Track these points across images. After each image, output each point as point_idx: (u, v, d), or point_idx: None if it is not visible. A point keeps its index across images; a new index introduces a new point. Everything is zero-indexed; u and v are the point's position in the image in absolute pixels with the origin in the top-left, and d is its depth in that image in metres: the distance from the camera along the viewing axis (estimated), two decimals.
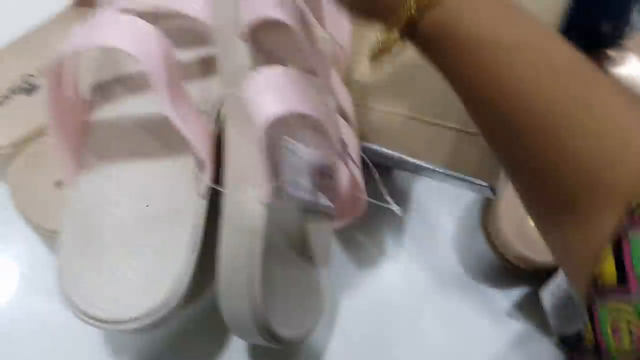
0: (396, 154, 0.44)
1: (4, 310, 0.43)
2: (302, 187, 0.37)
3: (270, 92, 0.32)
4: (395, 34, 0.29)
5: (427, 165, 0.43)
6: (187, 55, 0.42)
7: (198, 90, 0.41)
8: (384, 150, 0.44)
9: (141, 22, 0.34)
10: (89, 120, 0.39)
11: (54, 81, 0.35)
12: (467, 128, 0.44)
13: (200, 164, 0.38)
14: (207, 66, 0.42)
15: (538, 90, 0.26)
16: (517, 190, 0.30)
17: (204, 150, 0.37)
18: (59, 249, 0.37)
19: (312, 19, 0.37)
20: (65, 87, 0.37)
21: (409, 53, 0.31)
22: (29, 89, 0.46)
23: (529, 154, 0.27)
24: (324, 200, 0.39)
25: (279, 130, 0.36)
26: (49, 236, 0.42)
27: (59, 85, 0.36)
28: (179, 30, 0.42)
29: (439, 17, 0.28)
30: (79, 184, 0.38)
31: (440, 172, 0.43)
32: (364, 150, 0.43)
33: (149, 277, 0.36)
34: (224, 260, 0.34)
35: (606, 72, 0.50)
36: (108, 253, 0.36)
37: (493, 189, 0.41)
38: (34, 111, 0.45)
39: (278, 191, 0.35)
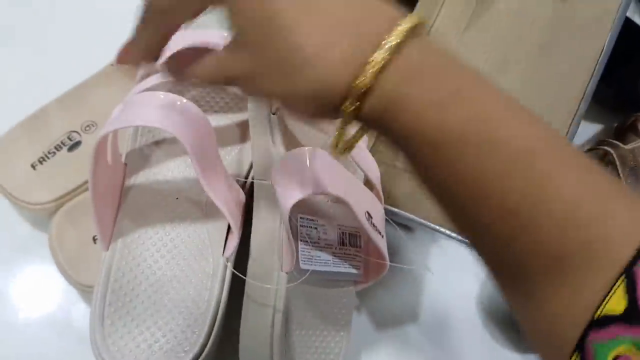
0: (418, 219, 0.45)
1: (40, 354, 0.45)
2: (325, 260, 0.38)
3: (295, 175, 0.33)
4: (342, 126, 0.27)
5: (449, 232, 0.44)
6: (224, 119, 0.44)
7: (232, 154, 0.43)
8: (407, 215, 0.45)
9: (178, 101, 0.35)
10: (127, 184, 0.41)
11: (98, 155, 0.37)
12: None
13: (229, 229, 0.39)
14: (242, 130, 0.44)
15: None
16: (486, 261, 0.28)
17: (233, 218, 0.38)
18: (92, 306, 0.38)
19: None
20: (106, 154, 0.39)
21: None
22: (72, 145, 0.48)
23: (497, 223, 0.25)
24: (347, 269, 0.40)
25: (305, 205, 0.37)
26: (84, 290, 0.44)
27: (103, 157, 0.38)
28: (217, 95, 0.44)
29: (382, 104, 0.25)
30: (114, 244, 0.40)
31: (462, 241, 0.44)
32: (388, 213, 0.44)
33: (177, 340, 0.37)
34: (245, 335, 0.36)
35: None
36: (139, 314, 0.38)
37: None
38: (75, 167, 0.47)
39: (300, 266, 0.36)
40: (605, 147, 0.50)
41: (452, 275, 0.49)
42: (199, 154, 0.36)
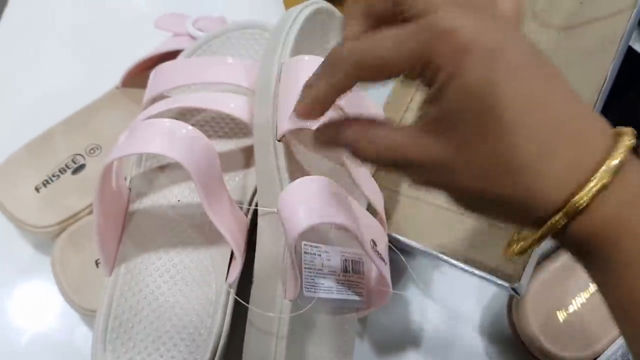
0: (420, 246, 0.44)
1: None
2: (328, 288, 0.38)
3: (301, 205, 0.33)
4: (535, 236, 0.24)
5: (450, 260, 0.44)
6: (229, 144, 0.44)
7: (236, 179, 0.43)
8: (409, 242, 0.45)
9: (184, 128, 0.36)
10: (131, 209, 0.41)
11: (103, 182, 0.37)
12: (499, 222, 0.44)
13: (233, 256, 0.40)
14: (246, 156, 0.44)
15: None
16: None
17: (237, 244, 0.38)
18: (94, 331, 0.38)
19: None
20: (111, 180, 0.39)
21: None
22: (76, 168, 0.48)
23: None
24: (350, 296, 0.40)
25: (309, 232, 0.37)
26: (87, 314, 0.44)
27: (108, 183, 0.38)
28: (222, 120, 0.44)
29: (596, 225, 0.23)
30: (117, 269, 0.40)
31: (462, 267, 0.44)
32: (391, 239, 0.44)
33: None
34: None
35: None
36: (141, 340, 0.38)
37: (516, 290, 0.41)
38: (79, 191, 0.47)
39: (304, 293, 0.36)
40: None
41: (453, 300, 0.49)
42: (203, 180, 0.36)
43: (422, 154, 0.24)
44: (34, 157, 0.48)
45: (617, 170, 0.22)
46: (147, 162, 0.43)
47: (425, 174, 0.25)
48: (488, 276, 0.41)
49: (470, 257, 0.43)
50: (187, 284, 0.40)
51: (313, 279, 0.38)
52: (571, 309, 0.47)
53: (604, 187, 0.22)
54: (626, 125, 0.58)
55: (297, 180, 0.34)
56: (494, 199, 0.24)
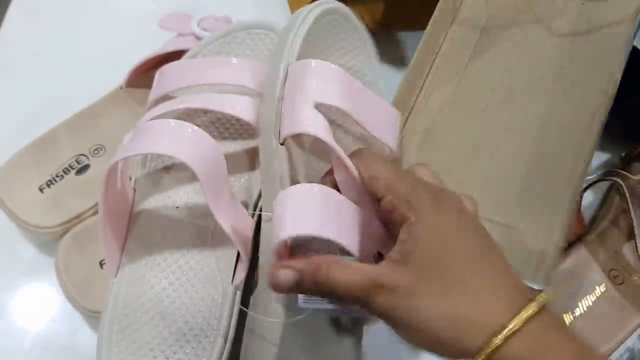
0: None
1: None
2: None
3: (290, 213, 0.31)
4: None
5: None
6: (234, 146, 0.44)
7: (241, 181, 0.43)
8: None
9: (189, 128, 0.35)
10: (135, 210, 0.41)
11: (108, 182, 0.37)
12: (517, 224, 0.43)
13: (239, 257, 0.39)
14: (251, 157, 0.44)
15: None
16: None
17: (243, 246, 0.38)
18: (99, 333, 0.38)
19: (355, 123, 0.38)
20: (116, 181, 0.39)
21: None
22: (80, 168, 0.48)
23: None
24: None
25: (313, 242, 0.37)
26: (90, 315, 0.44)
27: (113, 184, 0.38)
28: (227, 121, 0.44)
29: (516, 352, 0.28)
30: (122, 270, 0.40)
31: None
32: None
33: None
34: None
35: None
36: (147, 342, 0.38)
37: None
38: (83, 191, 0.47)
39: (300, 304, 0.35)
40: (614, 178, 0.50)
41: None
42: (210, 181, 0.36)
43: (391, 279, 0.30)
44: (37, 157, 0.48)
45: (528, 320, 0.28)
46: (151, 163, 0.42)
47: (392, 297, 0.30)
48: None
49: None
50: (192, 286, 0.39)
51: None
52: (577, 312, 0.47)
53: (530, 317, 0.28)
54: (632, 128, 0.57)
55: (295, 187, 0.33)
56: (446, 317, 0.29)
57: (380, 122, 0.39)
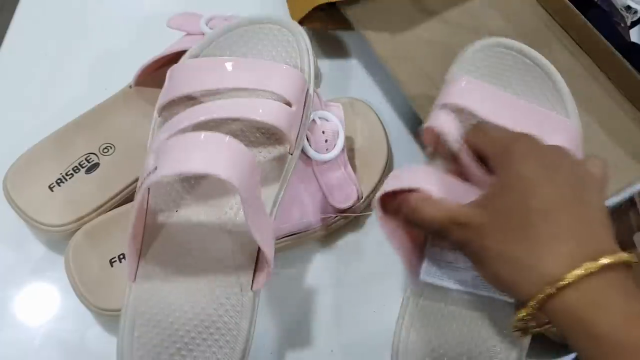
0: None
1: None
2: (462, 280, 0.40)
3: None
4: (529, 315, 0.31)
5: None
6: (263, 155, 0.43)
7: (270, 190, 0.42)
8: None
9: (222, 140, 0.34)
10: (157, 220, 0.41)
11: (143, 200, 0.37)
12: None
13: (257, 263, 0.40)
14: (281, 165, 0.42)
15: None
16: None
17: (270, 252, 0.38)
18: (120, 337, 0.38)
19: None
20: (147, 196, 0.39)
21: None
22: (90, 167, 0.48)
23: None
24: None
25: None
26: (100, 313, 0.44)
27: (146, 201, 0.38)
28: (258, 129, 0.43)
29: (568, 304, 0.29)
30: (141, 275, 0.40)
31: None
32: None
33: None
34: None
35: None
36: (166, 347, 0.38)
37: None
38: (93, 190, 0.47)
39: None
40: None
41: None
42: (248, 193, 0.34)
43: (467, 217, 0.33)
44: (48, 156, 0.48)
45: (603, 268, 0.29)
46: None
47: (468, 233, 0.33)
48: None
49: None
50: (212, 291, 0.40)
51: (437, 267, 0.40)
52: None
53: (587, 274, 0.28)
54: None
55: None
56: (508, 259, 0.31)
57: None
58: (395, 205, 0.37)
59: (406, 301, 0.42)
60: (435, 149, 0.42)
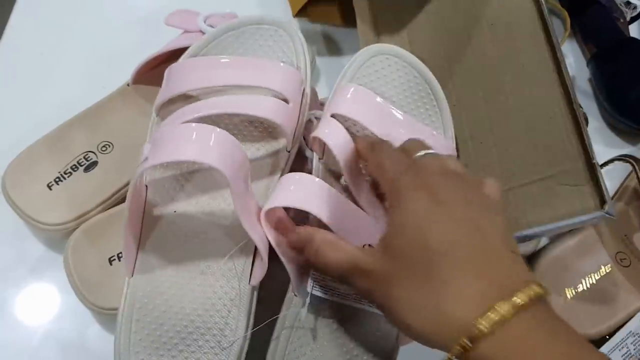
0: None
1: None
2: (342, 294, 0.39)
3: (284, 189, 0.38)
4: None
5: (547, 227, 0.43)
6: (256, 149, 0.43)
7: (264, 185, 0.42)
8: None
9: (213, 131, 0.35)
10: (153, 212, 0.41)
11: (135, 191, 0.37)
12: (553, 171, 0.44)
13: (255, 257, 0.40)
14: (274, 160, 0.43)
15: None
16: None
17: (264, 246, 0.38)
18: (117, 333, 0.38)
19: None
20: (142, 187, 0.40)
21: None
22: (88, 165, 0.48)
23: None
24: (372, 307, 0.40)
25: None
26: (99, 312, 0.44)
27: (139, 191, 0.39)
28: (251, 123, 0.44)
29: (489, 356, 0.26)
30: (138, 270, 0.40)
31: (557, 226, 0.43)
32: None
33: None
34: None
35: None
36: (164, 342, 0.38)
37: (609, 213, 0.40)
38: (92, 188, 0.47)
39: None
40: (629, 160, 0.51)
41: None
42: (237, 183, 0.35)
43: (369, 265, 0.31)
44: (46, 155, 0.48)
45: (521, 308, 0.26)
46: (165, 165, 0.42)
47: (370, 281, 0.31)
48: (578, 219, 0.41)
49: (548, 215, 0.43)
50: (210, 286, 0.40)
51: (318, 281, 0.39)
52: (580, 288, 0.48)
53: (502, 320, 0.26)
54: None
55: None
56: (417, 307, 0.28)
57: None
58: (296, 242, 0.36)
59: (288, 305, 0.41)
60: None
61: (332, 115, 0.42)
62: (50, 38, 0.58)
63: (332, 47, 0.60)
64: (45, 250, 0.48)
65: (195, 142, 0.34)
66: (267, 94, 0.41)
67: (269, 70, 0.41)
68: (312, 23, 0.61)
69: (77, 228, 0.46)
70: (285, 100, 0.41)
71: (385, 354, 0.41)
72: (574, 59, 0.61)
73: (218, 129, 0.35)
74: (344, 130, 0.40)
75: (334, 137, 0.40)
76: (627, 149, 0.57)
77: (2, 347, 0.45)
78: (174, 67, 0.43)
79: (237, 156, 0.35)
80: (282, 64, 0.42)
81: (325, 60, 0.59)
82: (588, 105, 0.59)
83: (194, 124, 0.35)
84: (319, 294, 0.39)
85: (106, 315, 0.44)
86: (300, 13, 0.56)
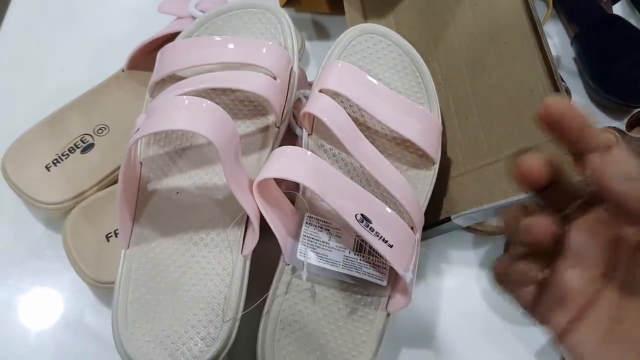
0: (487, 206, 0.44)
1: (55, 354, 0.46)
2: (333, 261, 0.40)
3: (276, 161, 0.39)
4: None
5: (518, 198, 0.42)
6: (246, 126, 0.45)
7: (254, 160, 0.44)
8: (474, 210, 0.45)
9: (204, 103, 0.36)
10: (148, 186, 0.42)
11: (128, 160, 0.38)
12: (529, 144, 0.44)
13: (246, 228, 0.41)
14: (264, 136, 0.45)
15: None
16: None
17: (255, 216, 0.40)
18: (114, 304, 0.40)
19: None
20: (135, 158, 0.41)
21: None
22: (85, 147, 0.49)
23: None
24: (362, 275, 0.42)
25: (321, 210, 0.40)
26: (98, 287, 0.45)
27: (132, 161, 0.40)
28: (241, 102, 0.45)
29: None
30: (134, 242, 0.41)
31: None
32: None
33: (200, 336, 0.39)
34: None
35: None
36: (160, 312, 0.40)
37: None
38: (88, 169, 0.49)
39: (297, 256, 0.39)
40: (612, 130, 0.52)
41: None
42: (227, 153, 0.37)
43: None
44: (44, 136, 0.49)
45: None
46: (158, 142, 0.44)
47: None
48: None
49: None
50: (203, 256, 0.41)
51: (315, 250, 0.39)
52: None
53: None
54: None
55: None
56: None
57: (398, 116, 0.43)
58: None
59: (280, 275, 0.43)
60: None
61: (320, 91, 0.43)
62: (48, 27, 0.60)
63: (321, 33, 0.61)
64: (44, 230, 0.50)
65: (186, 113, 0.35)
66: (256, 70, 0.42)
67: (257, 49, 0.43)
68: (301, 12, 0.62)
69: (74, 207, 0.47)
70: (274, 77, 0.42)
71: (375, 318, 0.43)
72: (559, 40, 0.62)
73: (209, 101, 0.36)
74: (332, 100, 0.42)
75: (323, 108, 0.41)
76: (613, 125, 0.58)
77: (2, 323, 0.47)
78: (166, 48, 0.45)
79: (227, 128, 0.36)
80: (270, 42, 0.44)
81: (315, 44, 0.60)
82: (574, 83, 0.60)
83: (185, 96, 0.37)
84: (310, 260, 0.41)
85: (104, 290, 0.46)
86: (288, 3, 0.58)
